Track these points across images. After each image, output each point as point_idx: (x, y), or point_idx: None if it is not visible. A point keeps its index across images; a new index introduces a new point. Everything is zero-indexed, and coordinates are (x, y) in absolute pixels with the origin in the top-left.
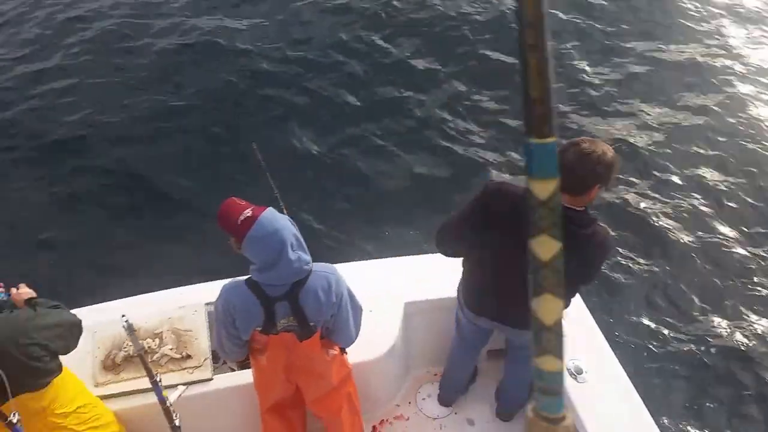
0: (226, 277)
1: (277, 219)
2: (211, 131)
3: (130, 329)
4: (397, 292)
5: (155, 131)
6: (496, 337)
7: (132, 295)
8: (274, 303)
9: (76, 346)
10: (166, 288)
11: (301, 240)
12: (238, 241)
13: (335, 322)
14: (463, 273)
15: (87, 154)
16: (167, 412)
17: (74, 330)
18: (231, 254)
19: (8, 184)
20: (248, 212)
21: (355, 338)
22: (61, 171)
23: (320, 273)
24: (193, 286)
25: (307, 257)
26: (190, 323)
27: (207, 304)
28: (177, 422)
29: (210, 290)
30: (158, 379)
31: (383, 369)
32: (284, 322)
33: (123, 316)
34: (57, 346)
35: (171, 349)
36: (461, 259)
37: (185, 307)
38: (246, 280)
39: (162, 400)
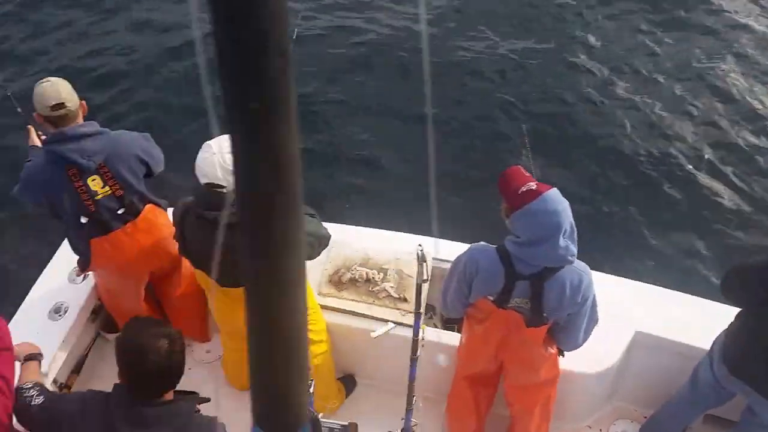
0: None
1: (561, 200)
2: None
3: (422, 258)
4: (632, 317)
5: None
6: (731, 404)
7: (372, 227)
8: (517, 279)
9: (316, 257)
10: (405, 232)
11: (575, 229)
12: (511, 208)
13: (569, 322)
14: (730, 326)
15: None
16: (415, 344)
17: (323, 242)
18: (470, 220)
19: None
20: (532, 185)
21: (580, 347)
22: None
23: (576, 268)
24: (428, 238)
25: (574, 249)
26: (414, 271)
27: (434, 259)
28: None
29: (443, 247)
30: (421, 311)
31: (589, 387)
32: (518, 301)
33: (419, 245)
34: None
35: (391, 287)
36: (735, 311)
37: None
38: (498, 247)
39: (416, 332)
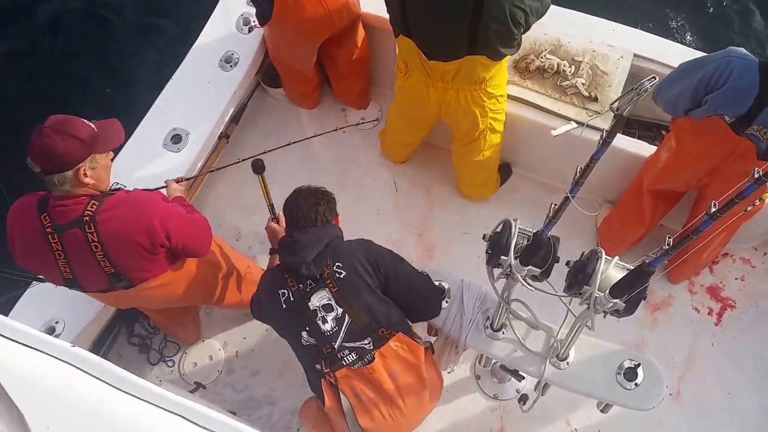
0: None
1: None
2: None
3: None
4: None
5: None
6: None
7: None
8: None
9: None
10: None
11: None
12: None
13: None
14: None
15: None
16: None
17: (544, 12)
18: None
19: None
20: None
21: None
22: None
23: None
24: (631, 29)
25: None
26: (611, 67)
27: (636, 56)
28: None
29: (648, 43)
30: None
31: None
32: (757, 128)
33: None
34: (530, 23)
35: (582, 84)
36: None
37: (615, 48)
38: (762, 61)
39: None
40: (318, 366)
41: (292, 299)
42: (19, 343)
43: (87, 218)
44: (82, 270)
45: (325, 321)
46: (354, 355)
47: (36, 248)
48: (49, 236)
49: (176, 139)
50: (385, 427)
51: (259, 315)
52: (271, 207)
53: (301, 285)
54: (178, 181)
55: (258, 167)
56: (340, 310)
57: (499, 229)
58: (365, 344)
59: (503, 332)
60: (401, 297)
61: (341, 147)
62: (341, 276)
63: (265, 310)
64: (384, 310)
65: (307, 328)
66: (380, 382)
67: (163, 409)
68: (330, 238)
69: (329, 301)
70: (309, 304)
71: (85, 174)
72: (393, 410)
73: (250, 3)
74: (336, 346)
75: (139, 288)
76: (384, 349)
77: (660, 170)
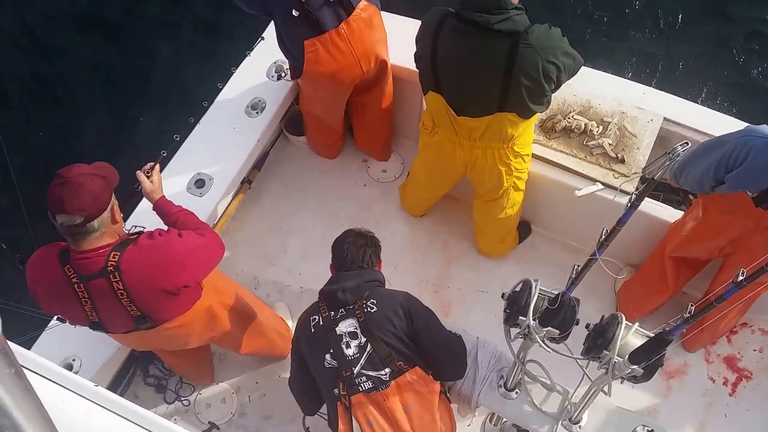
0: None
1: None
2: None
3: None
4: None
5: None
6: None
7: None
8: None
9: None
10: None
11: None
12: None
13: None
14: None
15: None
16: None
17: (577, 65)
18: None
19: None
20: None
21: None
22: None
23: None
24: (662, 92)
25: None
26: (640, 129)
27: (666, 119)
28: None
29: (678, 107)
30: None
31: None
32: None
33: None
34: (562, 80)
35: (609, 144)
36: None
37: (644, 111)
38: None
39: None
40: (336, 390)
41: (321, 323)
42: (44, 377)
43: (111, 268)
44: (108, 315)
45: (348, 346)
46: (370, 384)
47: (62, 295)
48: (75, 285)
49: (200, 183)
50: None
51: (296, 352)
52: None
53: (332, 312)
54: (148, 172)
55: None
56: (363, 339)
57: (518, 289)
58: (382, 375)
59: (516, 392)
60: (430, 353)
61: (361, 199)
62: (371, 311)
63: (301, 343)
64: (404, 349)
65: (331, 350)
66: (393, 411)
67: None
68: (372, 278)
69: (355, 329)
70: (336, 329)
71: (117, 211)
72: None
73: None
74: (355, 372)
75: (160, 328)
76: (400, 379)
77: (684, 238)
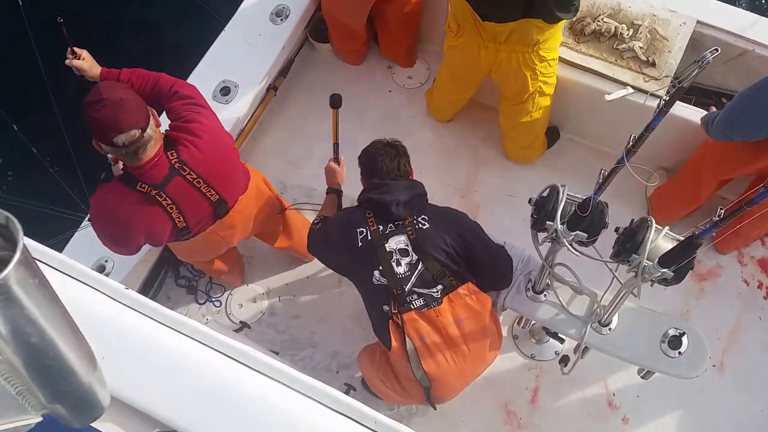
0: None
1: None
2: None
3: None
4: None
5: None
6: None
7: None
8: None
9: None
10: None
11: None
12: None
13: None
14: None
15: None
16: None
17: None
18: None
19: None
20: None
21: None
22: None
23: None
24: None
25: None
26: (672, 32)
27: (699, 23)
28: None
29: (711, 9)
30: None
31: None
32: None
33: None
34: None
35: (640, 47)
36: None
37: (677, 13)
38: None
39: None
40: (386, 307)
41: (369, 238)
42: (77, 279)
43: (177, 165)
44: (191, 210)
45: (399, 264)
46: (422, 301)
47: (148, 214)
48: (156, 197)
49: (225, 91)
50: (447, 372)
51: (322, 249)
52: (336, 146)
53: (381, 226)
54: (72, 55)
55: (336, 101)
56: (415, 257)
57: (545, 194)
58: (434, 292)
59: (545, 295)
60: (484, 266)
61: (386, 105)
62: (423, 227)
63: (334, 245)
64: (454, 266)
65: (380, 268)
66: (445, 326)
67: (208, 346)
68: (422, 192)
69: (406, 246)
70: (386, 245)
71: (154, 112)
72: (456, 356)
73: None
74: (406, 289)
75: (226, 218)
76: (452, 295)
77: (722, 160)
